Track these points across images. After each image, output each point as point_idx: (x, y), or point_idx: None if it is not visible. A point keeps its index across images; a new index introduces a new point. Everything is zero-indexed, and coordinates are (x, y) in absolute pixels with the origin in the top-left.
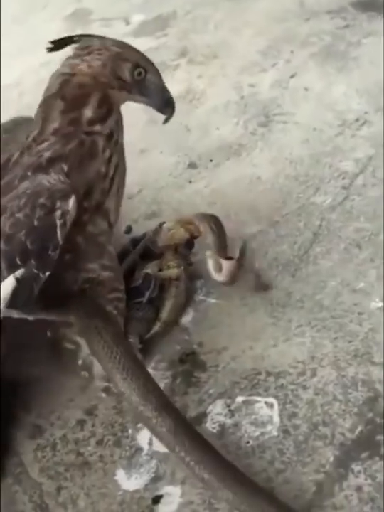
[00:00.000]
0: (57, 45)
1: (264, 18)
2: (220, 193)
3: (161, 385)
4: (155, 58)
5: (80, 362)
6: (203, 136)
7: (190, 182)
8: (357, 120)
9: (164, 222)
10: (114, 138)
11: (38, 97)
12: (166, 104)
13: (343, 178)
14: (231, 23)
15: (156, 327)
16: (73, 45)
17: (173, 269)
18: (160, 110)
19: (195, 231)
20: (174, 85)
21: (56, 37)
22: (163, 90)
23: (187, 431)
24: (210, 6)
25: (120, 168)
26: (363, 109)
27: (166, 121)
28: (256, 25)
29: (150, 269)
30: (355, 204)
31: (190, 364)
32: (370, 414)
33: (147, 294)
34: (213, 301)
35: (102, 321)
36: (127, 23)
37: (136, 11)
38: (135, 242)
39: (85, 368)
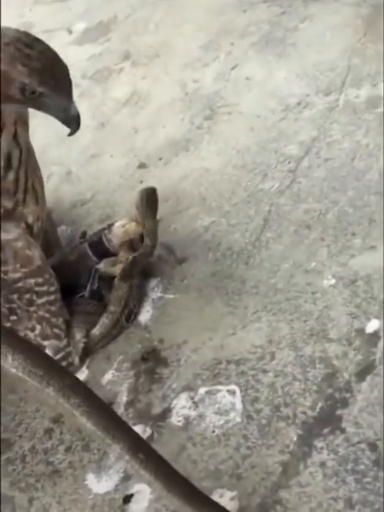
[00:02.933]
0: None
1: (203, 14)
2: (171, 190)
3: (125, 386)
4: (99, 64)
5: None
6: (150, 135)
7: (141, 182)
8: (299, 103)
9: (116, 221)
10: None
11: None
12: (69, 121)
13: (289, 162)
14: (171, 21)
15: (104, 319)
16: None
17: (120, 264)
18: (64, 124)
19: (150, 225)
20: (119, 88)
21: None
22: (65, 109)
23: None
24: (150, 6)
25: (29, 168)
26: (304, 93)
27: (70, 134)
28: (195, 22)
29: (103, 265)
30: (302, 186)
31: (152, 361)
32: (330, 390)
33: (88, 287)
34: (171, 296)
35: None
36: (70, 32)
37: (78, 19)
38: (92, 244)
39: None
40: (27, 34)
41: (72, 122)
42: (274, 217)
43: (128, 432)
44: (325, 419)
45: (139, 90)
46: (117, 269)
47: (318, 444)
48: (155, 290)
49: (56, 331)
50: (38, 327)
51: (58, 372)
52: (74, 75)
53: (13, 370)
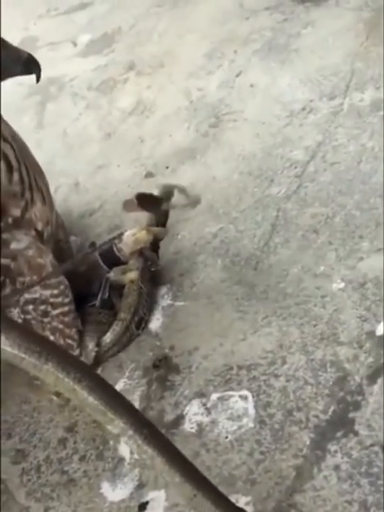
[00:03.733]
0: None
1: (206, 23)
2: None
3: (137, 393)
4: (104, 75)
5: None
6: (156, 144)
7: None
8: (303, 109)
9: (125, 230)
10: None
11: None
12: (26, 65)
13: (295, 167)
14: (174, 31)
15: (115, 326)
16: None
17: (130, 273)
18: (25, 73)
19: (159, 233)
20: (125, 99)
21: None
22: (17, 57)
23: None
24: (153, 17)
25: (29, 164)
26: (308, 98)
27: (37, 80)
28: (199, 31)
29: (113, 274)
30: (309, 191)
31: (164, 369)
32: (341, 394)
33: (99, 296)
34: (180, 303)
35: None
36: (75, 44)
37: (82, 31)
38: (102, 254)
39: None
40: None
41: (30, 64)
42: (282, 222)
43: (130, 407)
44: (338, 423)
45: (145, 100)
46: (127, 278)
47: (332, 447)
48: (165, 298)
49: (69, 341)
50: (51, 338)
51: (56, 349)
52: (80, 86)
53: (9, 349)
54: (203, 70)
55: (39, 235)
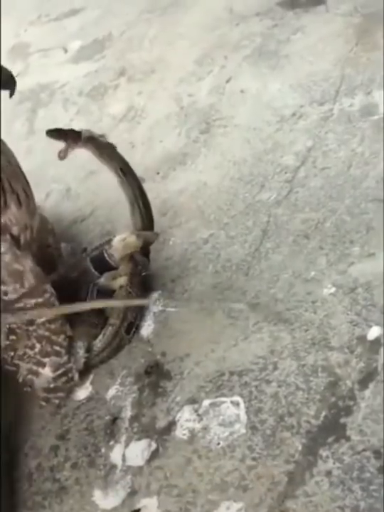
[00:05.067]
0: None
1: (197, 29)
2: (169, 204)
3: (129, 400)
4: (95, 81)
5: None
6: (147, 150)
7: None
8: (293, 114)
9: (115, 236)
10: None
11: None
12: (4, 83)
13: (286, 173)
14: (165, 37)
15: (105, 331)
16: None
17: (120, 278)
18: (3, 89)
19: (149, 237)
20: (116, 105)
21: None
22: None
23: None
24: (144, 23)
25: (7, 169)
26: (298, 103)
27: (11, 95)
28: (189, 37)
29: (104, 279)
30: (300, 196)
31: (155, 375)
32: (333, 399)
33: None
34: (172, 309)
35: None
36: (65, 50)
37: (73, 38)
38: (93, 260)
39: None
40: None
41: (7, 82)
42: (273, 227)
43: None
44: (329, 428)
45: (135, 106)
46: (117, 283)
47: (324, 452)
48: (156, 303)
49: (56, 347)
50: (38, 345)
51: None
52: (70, 92)
53: None
54: (194, 75)
55: (15, 240)
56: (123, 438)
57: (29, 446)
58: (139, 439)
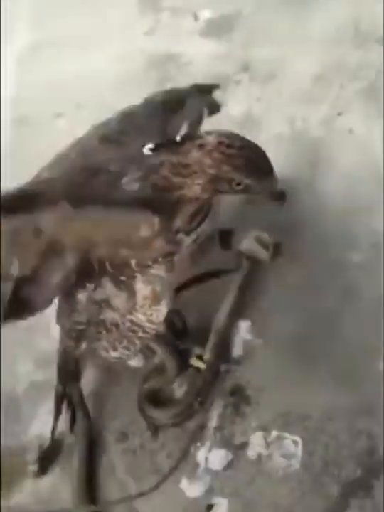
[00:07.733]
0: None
1: (321, 37)
2: None
3: (215, 412)
4: (221, 67)
5: None
6: None
7: None
8: None
9: None
10: None
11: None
12: (275, 198)
13: None
14: (291, 36)
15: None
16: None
17: (200, 362)
18: (271, 202)
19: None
20: (236, 106)
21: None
22: (271, 193)
23: None
24: (273, 6)
25: None
26: None
27: (279, 207)
28: (313, 44)
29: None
30: None
31: (238, 397)
32: (369, 462)
33: None
34: (260, 341)
35: None
36: (196, 18)
37: (204, 5)
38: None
39: None
40: (225, 135)
41: (278, 198)
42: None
43: None
44: (361, 485)
45: (253, 114)
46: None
47: (353, 502)
48: (246, 333)
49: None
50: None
51: None
52: (196, 74)
53: None
54: (310, 95)
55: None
56: (208, 443)
57: (136, 427)
58: (220, 448)
